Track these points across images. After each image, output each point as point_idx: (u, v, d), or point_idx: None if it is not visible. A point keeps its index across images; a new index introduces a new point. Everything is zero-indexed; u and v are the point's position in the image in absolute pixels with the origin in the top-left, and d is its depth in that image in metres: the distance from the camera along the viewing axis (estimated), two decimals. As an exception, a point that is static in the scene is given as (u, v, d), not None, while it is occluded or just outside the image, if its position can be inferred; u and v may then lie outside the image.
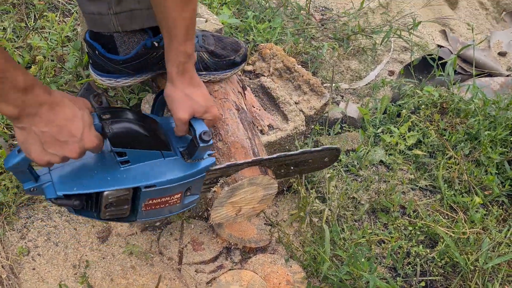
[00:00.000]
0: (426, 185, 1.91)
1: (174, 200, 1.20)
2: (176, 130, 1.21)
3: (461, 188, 1.88)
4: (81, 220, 1.56)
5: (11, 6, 2.21)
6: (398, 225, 1.69)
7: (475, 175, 1.91)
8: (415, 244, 1.65)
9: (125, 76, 1.37)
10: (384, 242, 1.67)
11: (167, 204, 1.19)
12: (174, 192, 1.18)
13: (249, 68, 1.90)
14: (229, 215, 1.40)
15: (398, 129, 1.99)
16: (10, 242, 1.44)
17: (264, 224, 1.71)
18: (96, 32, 1.29)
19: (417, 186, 1.89)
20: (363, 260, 1.44)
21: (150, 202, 1.16)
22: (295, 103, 1.77)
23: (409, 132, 2.02)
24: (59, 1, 2.33)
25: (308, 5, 2.72)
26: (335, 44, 2.51)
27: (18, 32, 2.07)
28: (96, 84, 1.72)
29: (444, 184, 1.87)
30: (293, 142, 1.66)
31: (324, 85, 2.41)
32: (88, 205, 1.11)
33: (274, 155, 1.30)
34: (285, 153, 1.31)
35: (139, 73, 1.38)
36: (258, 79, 1.80)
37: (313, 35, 2.61)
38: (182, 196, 1.21)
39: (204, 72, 1.40)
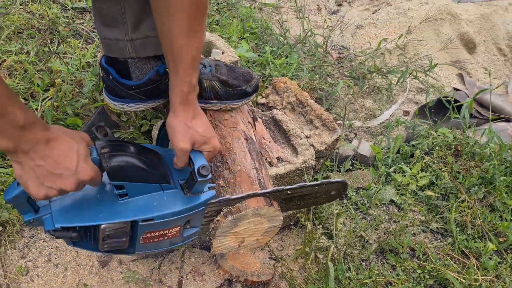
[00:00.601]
0: (437, 228, 1.85)
1: (173, 233, 1.19)
2: (176, 161, 1.20)
3: (473, 233, 1.82)
4: (84, 243, 1.55)
5: (36, 31, 2.28)
6: (407, 267, 1.64)
7: (489, 220, 1.85)
8: (422, 287, 1.59)
9: (137, 102, 1.39)
10: (391, 284, 1.61)
11: (166, 237, 1.19)
12: (172, 225, 1.17)
13: (262, 100, 1.91)
14: (231, 246, 1.37)
15: (410, 169, 1.96)
16: (10, 261, 1.43)
17: (268, 258, 1.67)
18: (112, 57, 1.32)
19: (428, 228, 1.84)
20: (367, 301, 1.39)
21: (148, 235, 1.15)
22: (306, 137, 1.76)
23: (421, 172, 1.98)
24: (83, 29, 2.40)
25: (326, 43, 2.76)
26: (350, 82, 2.52)
27: (41, 56, 2.13)
28: (110, 108, 1.75)
29: (456, 227, 1.81)
30: (302, 175, 1.64)
31: (338, 122, 2.41)
32: (86, 237, 1.12)
33: (270, 189, 1.29)
34: (282, 187, 1.30)
35: (150, 99, 1.39)
36: (270, 111, 1.81)
37: (329, 73, 2.63)
38: (181, 229, 1.20)
39: (215, 101, 1.40)
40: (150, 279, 1.50)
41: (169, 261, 1.56)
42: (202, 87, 1.37)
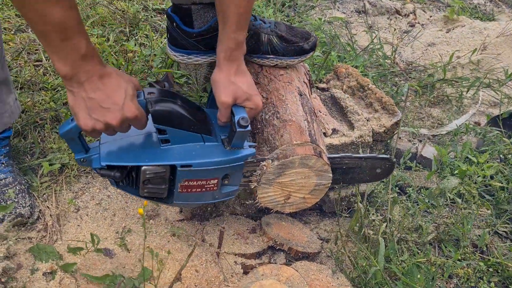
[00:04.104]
0: (505, 232, 1.68)
1: (211, 185, 1.20)
2: (219, 115, 1.23)
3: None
4: (134, 197, 1.58)
5: (117, 23, 2.46)
6: (468, 259, 1.49)
7: None
8: (485, 282, 1.43)
9: (196, 54, 1.43)
10: (450, 277, 1.47)
11: (204, 189, 1.20)
12: (210, 176, 1.19)
13: (323, 85, 1.90)
14: (277, 200, 1.33)
15: (476, 158, 1.83)
16: (63, 198, 1.48)
17: (317, 238, 1.60)
18: (177, 4, 1.39)
19: (493, 230, 1.67)
20: (419, 276, 1.27)
21: (186, 183, 1.17)
22: (366, 120, 1.71)
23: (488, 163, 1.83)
24: (160, 24, 2.56)
25: (394, 53, 2.71)
26: (418, 87, 2.44)
27: (119, 42, 2.29)
28: (173, 76, 1.82)
29: (528, 231, 1.64)
30: (357, 152, 1.58)
31: (402, 128, 2.32)
32: (129, 180, 1.17)
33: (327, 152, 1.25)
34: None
35: (209, 52, 1.43)
36: (329, 91, 1.79)
37: (396, 82, 2.57)
38: (219, 183, 1.21)
39: (271, 56, 1.42)
40: (194, 237, 1.49)
41: (213, 224, 1.54)
42: (260, 41, 1.39)
